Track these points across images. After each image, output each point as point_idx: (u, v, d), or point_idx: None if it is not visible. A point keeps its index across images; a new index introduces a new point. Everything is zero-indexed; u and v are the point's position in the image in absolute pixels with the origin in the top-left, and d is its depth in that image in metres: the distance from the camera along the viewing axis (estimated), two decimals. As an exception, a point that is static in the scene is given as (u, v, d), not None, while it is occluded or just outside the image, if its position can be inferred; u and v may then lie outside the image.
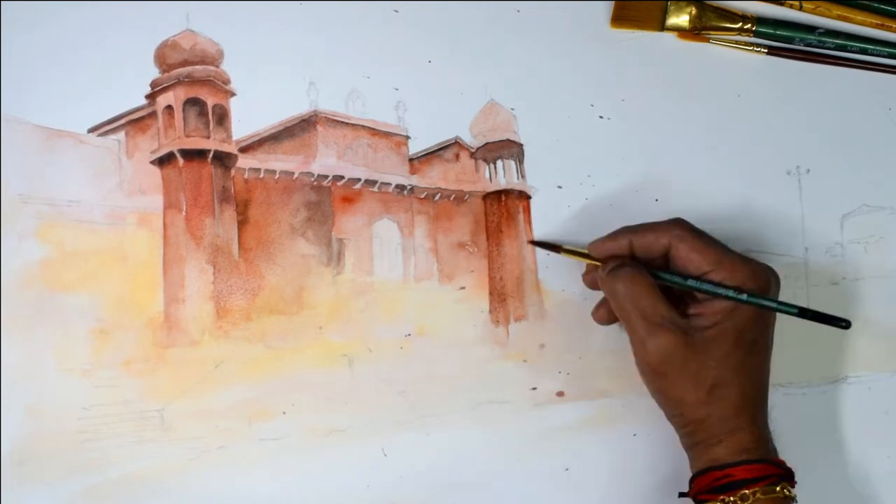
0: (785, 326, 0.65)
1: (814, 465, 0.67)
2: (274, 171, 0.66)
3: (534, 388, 0.66)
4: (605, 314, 0.63)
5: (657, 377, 0.58)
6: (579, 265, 0.66)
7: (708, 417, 0.57)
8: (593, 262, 0.62)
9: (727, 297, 0.58)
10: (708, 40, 0.69)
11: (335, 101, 0.67)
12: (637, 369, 0.59)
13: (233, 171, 0.66)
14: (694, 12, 0.69)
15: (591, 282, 0.64)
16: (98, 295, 0.63)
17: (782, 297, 0.60)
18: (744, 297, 0.58)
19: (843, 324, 0.59)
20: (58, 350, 0.63)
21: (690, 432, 0.59)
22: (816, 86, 0.70)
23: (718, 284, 0.58)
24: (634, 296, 0.58)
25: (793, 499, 0.57)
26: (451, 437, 0.65)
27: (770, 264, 0.60)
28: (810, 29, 0.69)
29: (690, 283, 0.59)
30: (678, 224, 0.60)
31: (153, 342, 0.64)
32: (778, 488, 0.56)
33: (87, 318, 0.63)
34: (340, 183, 0.67)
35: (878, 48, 0.69)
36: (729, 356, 0.58)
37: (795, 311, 0.59)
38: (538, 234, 0.67)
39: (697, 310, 0.59)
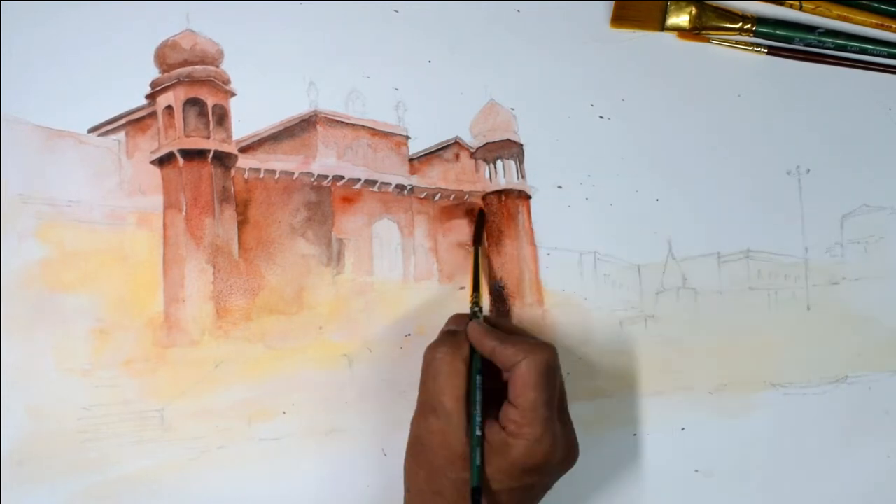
0: (785, 326, 0.65)
1: (814, 465, 0.67)
2: (274, 171, 0.66)
3: (534, 388, 0.66)
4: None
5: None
6: (579, 265, 0.66)
7: None
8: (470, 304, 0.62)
9: None
10: (708, 40, 0.69)
11: (335, 101, 0.67)
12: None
13: (233, 171, 0.66)
14: (694, 12, 0.69)
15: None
16: (98, 295, 0.64)
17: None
18: None
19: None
20: (58, 350, 0.63)
21: None
22: (816, 86, 0.70)
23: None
24: (442, 376, 0.57)
25: None
26: (451, 437, 0.65)
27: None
28: (810, 29, 0.69)
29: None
30: (540, 355, 0.58)
31: (153, 342, 0.64)
32: None
33: (87, 318, 0.63)
34: (340, 183, 0.67)
35: (878, 48, 0.69)
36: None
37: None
38: (539, 235, 0.67)
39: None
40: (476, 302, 0.63)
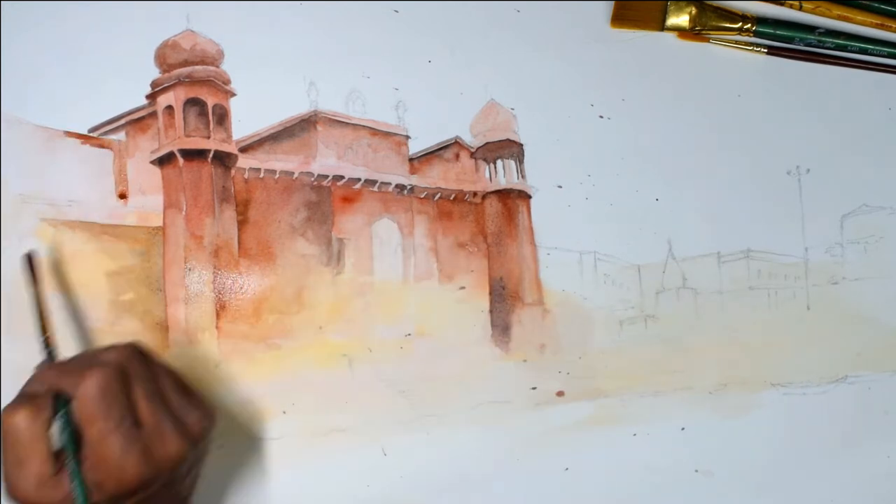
0: (785, 326, 0.65)
1: (814, 465, 0.67)
2: (274, 171, 0.66)
3: (534, 388, 0.66)
4: None
5: None
6: (579, 265, 0.66)
7: None
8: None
9: None
10: (708, 40, 0.70)
11: (335, 101, 0.67)
12: None
13: (233, 171, 0.66)
14: (694, 12, 0.69)
15: None
16: (98, 295, 0.63)
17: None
18: None
19: None
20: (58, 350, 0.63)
21: None
22: (816, 86, 0.70)
23: None
24: (26, 438, 0.50)
25: None
26: (451, 437, 0.65)
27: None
28: (810, 29, 0.69)
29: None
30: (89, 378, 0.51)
31: (153, 342, 0.64)
32: None
33: (87, 318, 0.63)
34: (340, 183, 0.67)
35: (878, 48, 0.69)
36: None
37: None
38: (539, 234, 0.67)
39: None
40: (46, 343, 0.57)
